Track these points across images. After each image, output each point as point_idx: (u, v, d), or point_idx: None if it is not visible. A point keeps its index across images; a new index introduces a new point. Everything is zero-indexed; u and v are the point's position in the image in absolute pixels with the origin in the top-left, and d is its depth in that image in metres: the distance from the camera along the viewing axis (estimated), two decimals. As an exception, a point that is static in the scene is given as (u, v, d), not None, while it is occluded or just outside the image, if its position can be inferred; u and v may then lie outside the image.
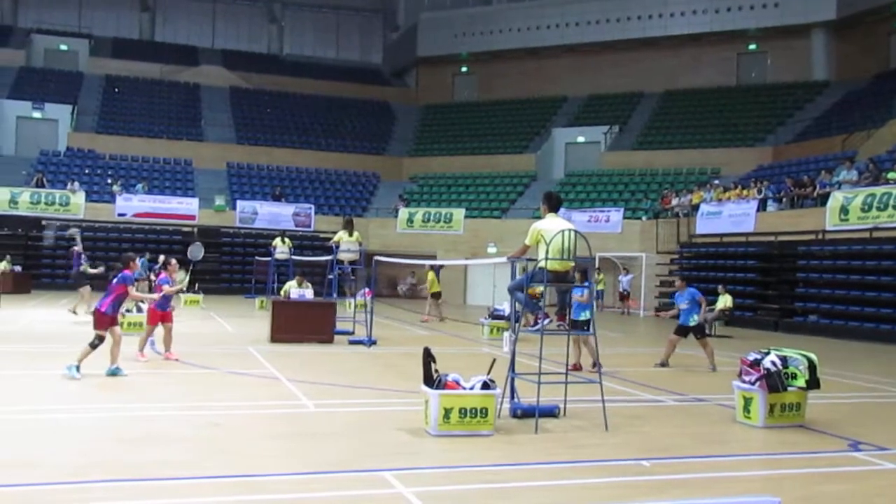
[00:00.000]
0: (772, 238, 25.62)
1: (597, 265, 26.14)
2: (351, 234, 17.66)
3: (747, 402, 9.14)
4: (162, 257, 22.16)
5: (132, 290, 11.38)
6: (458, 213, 35.69)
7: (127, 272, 11.50)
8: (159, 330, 13.31)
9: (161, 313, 13.13)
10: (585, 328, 12.18)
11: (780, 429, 8.87)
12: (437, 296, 23.54)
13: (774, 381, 8.92)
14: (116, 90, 44.53)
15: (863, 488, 6.72)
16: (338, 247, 17.67)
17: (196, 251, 16.58)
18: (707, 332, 17.49)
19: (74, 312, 19.57)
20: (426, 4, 49.99)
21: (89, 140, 39.58)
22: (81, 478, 6.12)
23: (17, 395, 9.61)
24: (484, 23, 47.08)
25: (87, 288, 20.10)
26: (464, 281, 34.20)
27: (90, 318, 12.17)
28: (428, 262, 24.57)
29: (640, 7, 42.48)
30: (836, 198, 23.38)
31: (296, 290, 17.14)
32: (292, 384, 10.96)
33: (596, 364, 10.61)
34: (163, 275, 13.56)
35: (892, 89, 33.44)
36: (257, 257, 30.57)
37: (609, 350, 15.33)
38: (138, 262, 14.34)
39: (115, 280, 11.37)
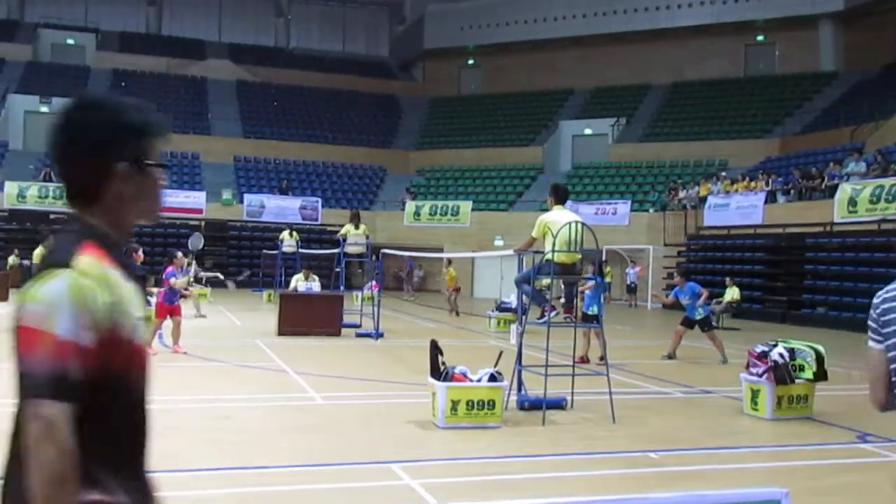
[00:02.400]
0: (780, 230, 25.55)
1: (604, 258, 26.10)
2: (358, 228, 17.68)
3: (755, 393, 9.13)
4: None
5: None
6: (465, 206, 35.67)
7: None
8: (167, 323, 13.36)
9: (169, 307, 13.16)
10: (595, 321, 12.20)
11: (787, 421, 8.87)
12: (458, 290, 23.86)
13: (782, 373, 8.91)
14: (123, 84, 44.53)
15: (870, 479, 6.72)
16: (345, 240, 17.69)
17: (196, 241, 16.61)
18: (714, 324, 17.50)
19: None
20: (432, -3, 49.91)
21: (96, 134, 39.62)
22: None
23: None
24: (490, 15, 46.96)
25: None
26: (471, 273, 34.20)
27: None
28: (442, 256, 24.84)
29: (647, -2, 42.38)
30: (845, 189, 23.29)
31: (303, 283, 17.17)
32: (300, 377, 10.99)
33: (603, 357, 10.63)
34: (170, 268, 13.59)
35: (900, 80, 33.25)
36: (265, 251, 30.61)
37: (616, 342, 15.32)
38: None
39: None
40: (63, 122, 1.83)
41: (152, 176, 1.90)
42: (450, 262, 24.58)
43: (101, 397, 1.66)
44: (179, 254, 14.20)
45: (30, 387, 1.59)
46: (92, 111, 1.84)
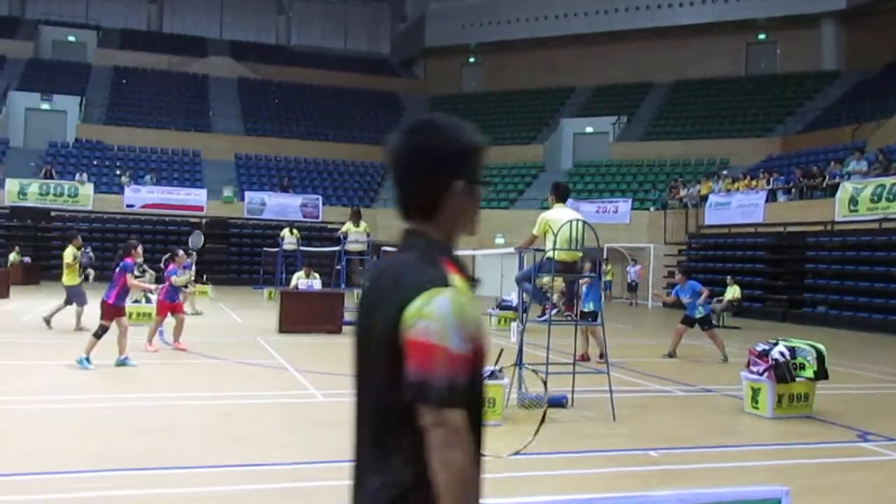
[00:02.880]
0: (780, 229, 25.54)
1: (605, 256, 26.10)
2: (358, 225, 17.69)
3: (755, 392, 9.13)
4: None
5: (130, 279, 11.33)
6: (466, 204, 35.60)
7: (128, 260, 11.51)
8: (169, 320, 13.38)
9: (170, 304, 13.18)
10: (592, 319, 12.18)
11: (788, 419, 8.87)
12: None
13: (782, 372, 8.91)
14: (124, 81, 44.59)
15: (871, 478, 6.72)
16: (345, 237, 17.68)
17: (196, 240, 16.49)
18: (715, 323, 17.49)
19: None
20: (434, -5, 49.89)
21: (97, 131, 39.66)
22: (97, 466, 6.17)
23: (29, 386, 9.67)
24: (492, 13, 46.93)
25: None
26: (472, 271, 34.14)
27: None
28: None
29: (648, -4, 42.36)
30: (846, 188, 23.28)
31: (304, 280, 17.18)
32: (301, 374, 11.00)
33: (603, 355, 10.62)
34: (171, 266, 13.63)
35: (902, 79, 33.23)
36: (265, 248, 30.63)
37: (616, 341, 15.33)
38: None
39: (117, 270, 11.41)
40: (407, 143, 1.97)
41: (478, 193, 2.03)
42: None
43: (470, 398, 1.82)
44: (181, 251, 14.22)
45: (429, 397, 1.74)
46: (433, 133, 1.97)
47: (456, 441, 1.74)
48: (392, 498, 1.81)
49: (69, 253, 15.37)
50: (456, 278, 1.87)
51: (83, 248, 15.56)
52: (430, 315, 1.77)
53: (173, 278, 13.27)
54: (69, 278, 15.36)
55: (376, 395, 1.87)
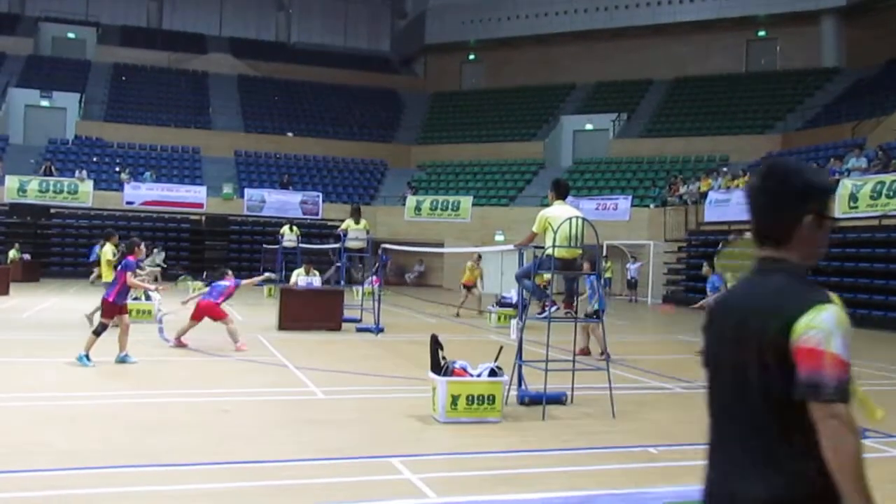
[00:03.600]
0: (780, 226, 25.52)
1: (604, 253, 26.08)
2: (358, 222, 17.69)
3: (755, 389, 9.12)
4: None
5: (130, 278, 11.29)
6: (466, 201, 35.64)
7: (130, 258, 11.52)
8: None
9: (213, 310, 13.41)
10: (595, 317, 12.19)
11: (787, 416, 8.85)
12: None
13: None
14: (124, 78, 44.53)
15: (871, 474, 6.70)
16: (345, 235, 17.69)
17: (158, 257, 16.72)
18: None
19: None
20: (434, -9, 49.85)
21: (97, 128, 39.62)
22: (95, 463, 6.18)
23: (29, 383, 9.69)
24: (492, 10, 46.90)
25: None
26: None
27: None
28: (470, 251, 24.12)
29: (648, -7, 42.32)
30: (846, 185, 23.27)
31: (304, 278, 17.18)
32: (300, 371, 11.00)
33: (604, 353, 10.63)
34: (231, 282, 13.90)
35: (902, 76, 33.20)
36: (265, 245, 30.61)
37: (616, 338, 15.33)
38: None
39: (119, 267, 11.43)
40: (765, 183, 2.35)
41: (826, 227, 2.34)
42: (479, 257, 22.98)
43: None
44: (230, 272, 14.34)
45: (822, 394, 2.08)
46: (788, 175, 2.33)
47: (847, 430, 2.07)
48: (800, 489, 2.16)
49: (108, 251, 15.35)
50: (834, 296, 2.17)
51: (119, 245, 15.65)
52: (819, 326, 2.10)
53: (242, 282, 14.08)
54: (108, 274, 15.32)
55: (768, 401, 2.19)
